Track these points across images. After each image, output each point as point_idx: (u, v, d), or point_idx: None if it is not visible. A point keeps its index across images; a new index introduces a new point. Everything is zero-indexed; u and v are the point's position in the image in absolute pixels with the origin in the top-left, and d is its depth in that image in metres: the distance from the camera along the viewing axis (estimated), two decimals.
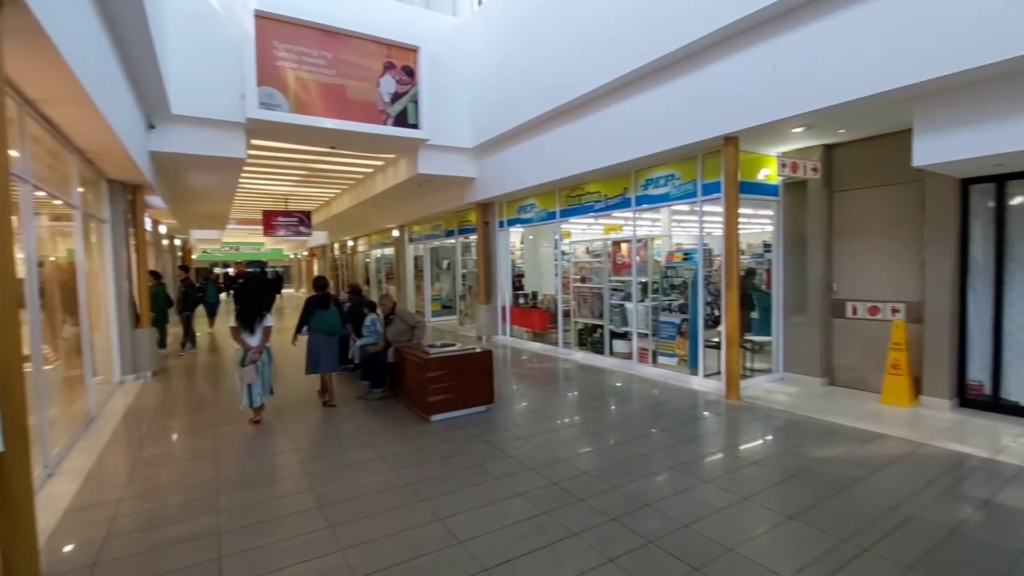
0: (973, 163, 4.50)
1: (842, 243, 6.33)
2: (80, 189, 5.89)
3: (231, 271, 31.70)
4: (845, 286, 6.31)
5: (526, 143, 9.04)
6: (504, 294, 11.17)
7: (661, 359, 7.29)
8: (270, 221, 15.01)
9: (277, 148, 10.13)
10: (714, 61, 5.62)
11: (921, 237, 5.55)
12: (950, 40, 3.86)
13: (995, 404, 5.18)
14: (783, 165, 6.07)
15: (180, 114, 7.25)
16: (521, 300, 10.86)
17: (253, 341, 5.46)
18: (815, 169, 6.25)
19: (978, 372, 5.31)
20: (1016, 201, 5.07)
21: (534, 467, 4.14)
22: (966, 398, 5.37)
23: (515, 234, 11.50)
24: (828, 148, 6.34)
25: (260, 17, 7.45)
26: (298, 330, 6.33)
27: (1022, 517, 3.21)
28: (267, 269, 33.18)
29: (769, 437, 4.80)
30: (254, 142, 8.90)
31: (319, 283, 6.60)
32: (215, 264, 34.75)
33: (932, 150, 4.44)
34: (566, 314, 9.34)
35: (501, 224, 11.10)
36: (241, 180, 12.95)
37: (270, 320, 5.61)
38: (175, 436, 5.20)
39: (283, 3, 7.64)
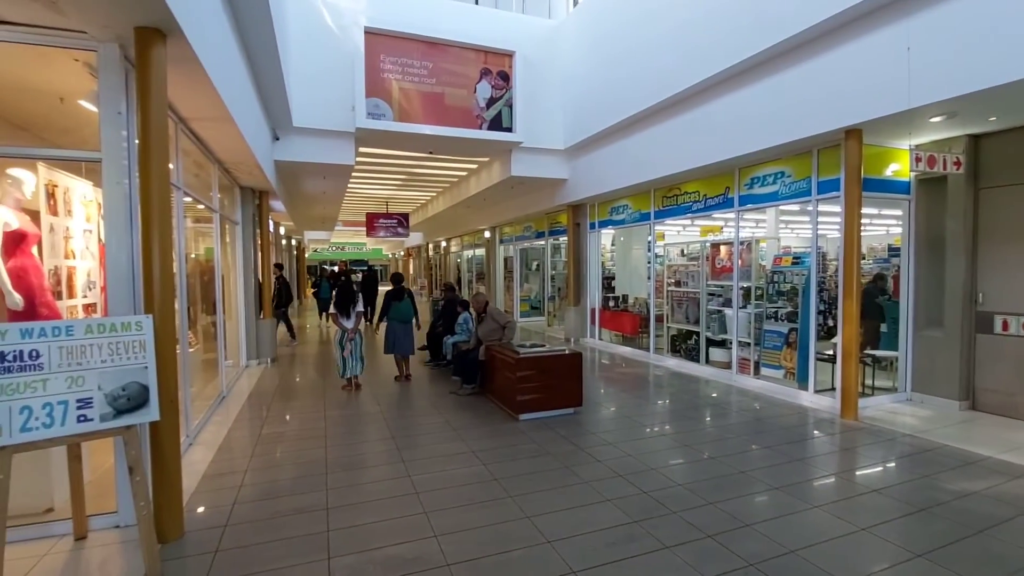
0: None
1: (990, 247, 5.50)
2: (218, 195, 6.69)
3: (336, 268, 34.38)
4: (993, 297, 5.47)
5: (619, 143, 8.85)
6: (593, 296, 11.03)
7: (764, 370, 6.79)
8: (372, 223, 16.04)
9: (381, 154, 10.81)
10: (832, 48, 5.14)
11: None
12: None
13: None
14: (917, 159, 5.38)
15: (300, 126, 7.99)
16: (611, 303, 10.66)
17: (348, 324, 6.71)
18: (957, 163, 5.49)
19: None
20: None
21: (623, 474, 4.05)
22: None
23: (606, 236, 11.32)
24: (974, 139, 5.54)
25: (369, 33, 8.01)
26: (380, 319, 7.44)
27: None
28: (367, 268, 35.56)
29: (892, 463, 4.29)
30: (362, 149, 9.58)
31: (395, 278, 7.59)
32: (324, 262, 37.86)
33: None
34: (658, 319, 9.02)
35: (592, 226, 10.97)
36: (349, 185, 14.02)
37: (361, 306, 6.85)
38: (289, 417, 5.73)
39: (390, 19, 8.16)
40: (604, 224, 10.61)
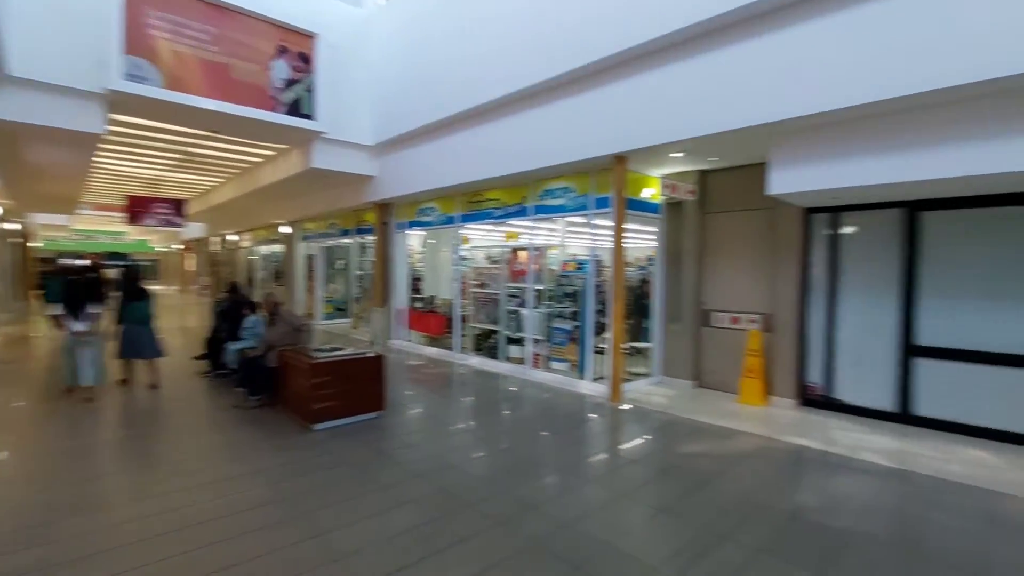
0: (814, 195, 5.24)
1: (711, 259, 7.04)
2: None
3: (84, 263, 27.64)
4: (712, 298, 7.02)
5: (428, 145, 8.94)
6: (401, 297, 10.93)
7: (553, 364, 7.56)
8: (136, 208, 13.32)
9: (147, 127, 9.03)
10: (607, 83, 5.99)
11: (773, 257, 6.35)
12: (799, 88, 4.48)
13: (828, 403, 6.05)
14: (665, 186, 6.62)
15: (22, 76, 6.19)
16: (418, 304, 10.69)
17: (79, 326, 6.00)
18: (691, 192, 6.90)
19: (815, 375, 6.16)
20: (847, 230, 5.99)
21: (424, 474, 4.08)
22: (806, 398, 6.21)
23: (415, 237, 11.32)
24: (703, 173, 7.03)
25: None
26: (117, 321, 6.64)
27: (848, 500, 3.76)
28: (126, 263, 29.31)
29: (646, 437, 5.18)
30: (117, 117, 7.86)
31: (129, 275, 7.53)
32: (64, 254, 29.97)
33: (782, 181, 5.11)
34: (463, 319, 9.36)
35: (400, 226, 10.85)
36: (99, 159, 11.36)
37: (96, 308, 6.30)
38: None
39: None
40: (413, 225, 10.59)
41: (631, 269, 8.99)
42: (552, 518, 3.39)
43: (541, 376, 7.58)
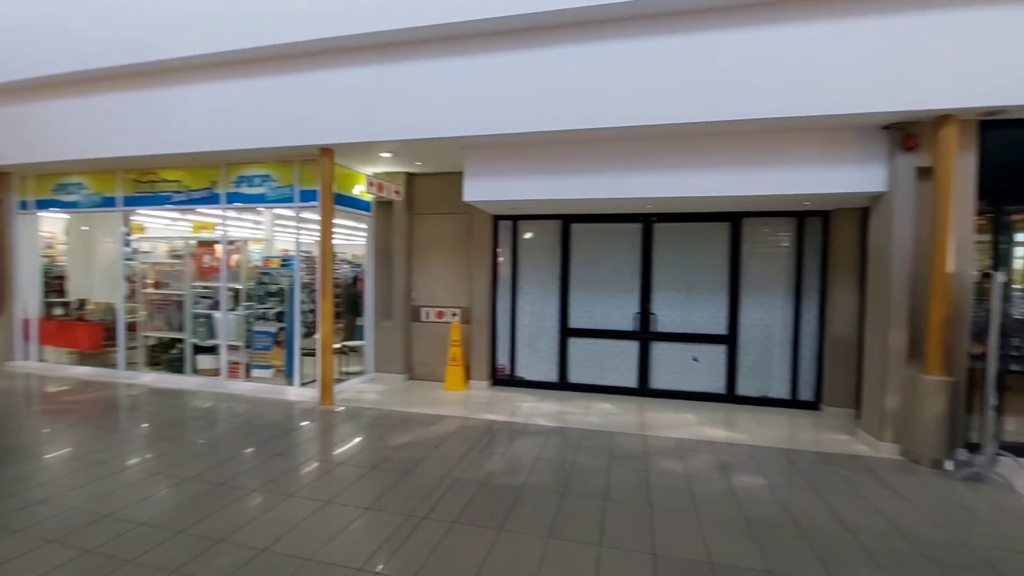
0: (497, 204, 6.13)
1: (419, 258, 7.49)
2: None
3: None
4: (421, 295, 7.49)
5: (73, 101, 6.81)
6: (30, 303, 8.10)
7: (255, 372, 6.82)
8: None
9: None
10: (316, 69, 5.67)
11: (470, 256, 7.16)
12: (484, 110, 5.15)
13: (513, 381, 7.19)
14: (371, 184, 6.70)
15: None
16: (59, 311, 8.11)
17: None
18: (398, 192, 7.17)
19: (503, 359, 7.24)
20: (525, 235, 7.19)
21: (58, 537, 3.14)
22: (496, 379, 7.24)
23: (54, 221, 8.53)
24: (410, 176, 7.38)
25: None
26: None
27: (523, 460, 4.54)
28: None
29: (357, 437, 5.18)
30: None
31: None
32: None
33: (473, 190, 5.83)
34: (131, 327, 7.55)
35: (24, 204, 8.02)
36: None
37: None
38: None
39: None
40: (48, 204, 7.95)
41: (345, 267, 8.80)
42: (246, 547, 3.07)
43: (241, 387, 6.75)
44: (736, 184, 5.13)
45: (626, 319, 6.81)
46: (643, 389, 6.77)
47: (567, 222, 6.95)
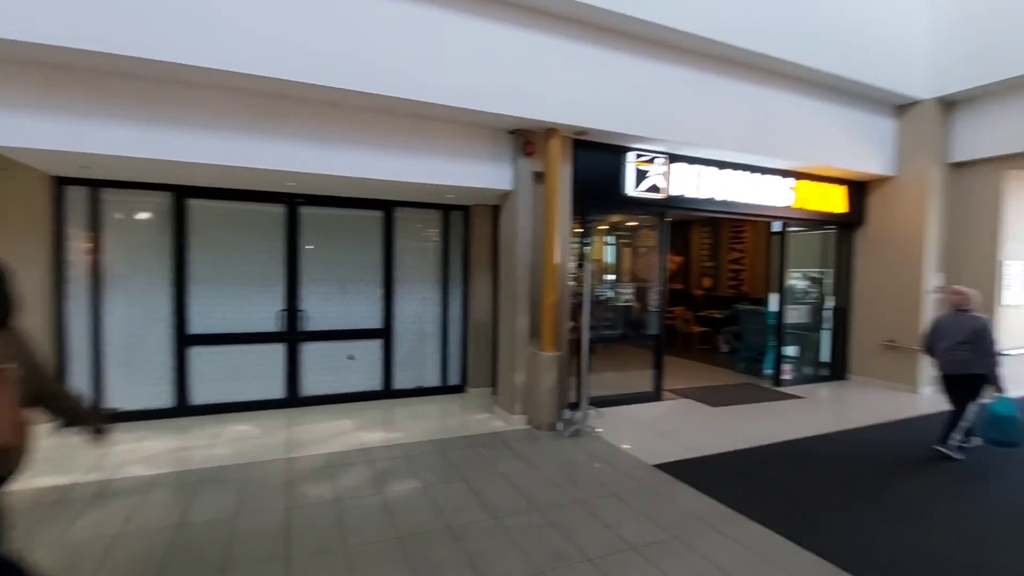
0: (55, 158, 4.12)
1: None
2: None
3: None
4: None
5: None
6: None
7: None
8: None
9: None
10: None
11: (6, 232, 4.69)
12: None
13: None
14: None
15: None
16: None
17: None
18: None
19: (84, 384, 5.07)
20: (112, 211, 5.16)
21: None
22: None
23: None
24: None
25: None
26: None
27: (97, 543, 3.03)
28: None
29: None
30: None
31: None
32: None
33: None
34: None
35: None
36: None
37: None
38: None
39: None
40: None
41: None
42: None
43: None
44: (384, 168, 4.81)
45: (268, 319, 5.73)
46: (293, 399, 5.86)
47: (181, 196, 5.32)
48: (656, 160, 6.05)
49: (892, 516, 3.55)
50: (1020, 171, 6.83)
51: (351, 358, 6.13)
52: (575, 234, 5.82)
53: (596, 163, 5.78)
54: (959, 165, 7.17)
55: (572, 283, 5.73)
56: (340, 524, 3.31)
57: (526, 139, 5.29)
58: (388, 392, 6.29)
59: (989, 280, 6.87)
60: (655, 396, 6.42)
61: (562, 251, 5.44)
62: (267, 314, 5.73)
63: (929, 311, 7.00)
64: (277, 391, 5.80)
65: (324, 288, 5.98)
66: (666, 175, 6.12)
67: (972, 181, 7.09)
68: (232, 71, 3.82)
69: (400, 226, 6.31)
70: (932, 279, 7.10)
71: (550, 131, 5.18)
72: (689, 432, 5.28)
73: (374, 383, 6.25)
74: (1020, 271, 7.09)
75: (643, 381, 6.47)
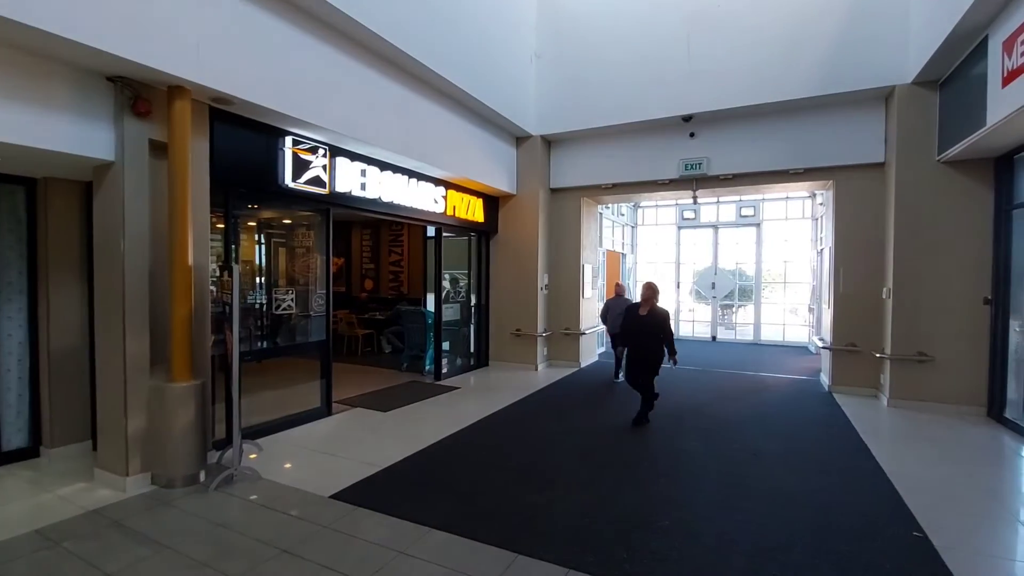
0: None
1: None
2: None
3: None
4: None
5: None
6: None
7: None
8: None
9: None
10: None
11: None
12: None
13: None
14: None
15: None
16: None
17: None
18: None
19: None
20: None
21: None
22: None
23: None
24: None
25: None
26: None
27: None
28: None
29: None
30: None
31: None
32: None
33: None
34: None
35: None
36: None
37: None
38: None
39: None
40: None
41: None
42: None
43: None
44: None
45: None
46: None
47: None
48: (318, 151, 5.45)
49: (538, 480, 4.09)
50: (588, 199, 9.31)
51: None
52: (217, 230, 4.64)
53: (245, 144, 4.76)
54: (556, 190, 9.27)
55: (214, 290, 4.56)
56: None
57: (137, 94, 3.85)
58: None
59: (576, 279, 9.12)
60: (325, 411, 5.82)
61: (198, 250, 4.23)
62: None
63: (542, 305, 8.81)
64: None
65: None
66: (328, 168, 5.59)
67: (564, 203, 9.26)
68: None
69: None
70: (543, 278, 8.96)
71: (176, 89, 3.92)
72: (364, 446, 4.94)
73: None
74: (589, 272, 9.69)
75: (311, 396, 5.77)
